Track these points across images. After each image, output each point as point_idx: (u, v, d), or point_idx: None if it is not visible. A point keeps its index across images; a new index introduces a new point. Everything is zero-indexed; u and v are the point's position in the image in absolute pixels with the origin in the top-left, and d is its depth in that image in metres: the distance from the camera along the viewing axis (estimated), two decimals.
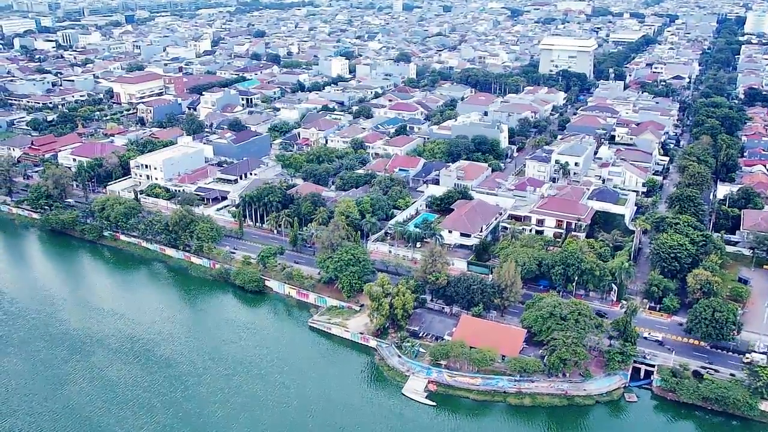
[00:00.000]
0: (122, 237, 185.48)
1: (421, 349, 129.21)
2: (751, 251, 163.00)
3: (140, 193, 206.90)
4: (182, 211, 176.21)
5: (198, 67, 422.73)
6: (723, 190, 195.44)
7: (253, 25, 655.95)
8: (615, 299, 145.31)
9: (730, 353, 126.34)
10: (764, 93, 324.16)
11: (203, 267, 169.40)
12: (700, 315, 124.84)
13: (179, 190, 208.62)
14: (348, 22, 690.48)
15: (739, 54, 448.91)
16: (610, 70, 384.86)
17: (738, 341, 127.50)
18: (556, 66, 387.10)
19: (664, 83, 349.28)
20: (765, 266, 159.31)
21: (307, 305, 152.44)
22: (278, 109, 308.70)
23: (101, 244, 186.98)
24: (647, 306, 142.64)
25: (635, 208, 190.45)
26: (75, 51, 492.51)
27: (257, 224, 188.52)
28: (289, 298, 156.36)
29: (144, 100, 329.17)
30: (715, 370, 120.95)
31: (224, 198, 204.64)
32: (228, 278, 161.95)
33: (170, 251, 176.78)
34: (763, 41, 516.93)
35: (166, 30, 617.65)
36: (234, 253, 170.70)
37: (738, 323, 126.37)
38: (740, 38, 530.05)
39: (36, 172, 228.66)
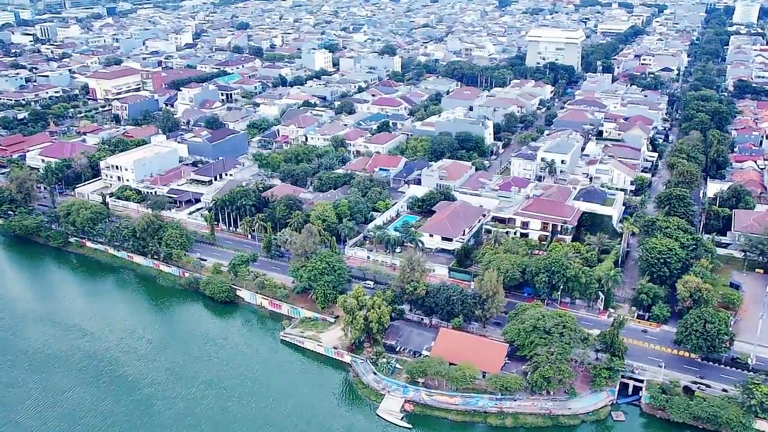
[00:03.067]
0: (89, 243, 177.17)
1: (397, 366, 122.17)
2: (743, 254, 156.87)
3: (110, 196, 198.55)
4: (150, 216, 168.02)
5: (178, 61, 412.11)
6: (713, 187, 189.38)
7: (237, 17, 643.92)
8: (602, 307, 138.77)
9: (723, 366, 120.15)
10: (754, 85, 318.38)
11: (172, 276, 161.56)
12: (690, 326, 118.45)
13: (151, 193, 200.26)
14: (334, 13, 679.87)
15: (727, 45, 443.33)
16: (598, 63, 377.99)
17: (731, 353, 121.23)
18: (544, 58, 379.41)
19: (652, 75, 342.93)
20: (757, 270, 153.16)
21: (280, 316, 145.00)
22: (258, 105, 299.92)
23: (67, 251, 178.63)
24: (635, 314, 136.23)
25: (623, 207, 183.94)
26: (52, 45, 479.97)
27: (231, 228, 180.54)
28: (261, 308, 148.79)
29: (120, 96, 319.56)
30: (707, 386, 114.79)
31: (198, 200, 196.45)
32: (198, 288, 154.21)
33: (138, 258, 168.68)
34: (752, 31, 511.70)
35: (148, 22, 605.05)
36: (204, 260, 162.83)
37: (730, 334, 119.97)
38: (729, 28, 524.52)
39: (2, 173, 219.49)
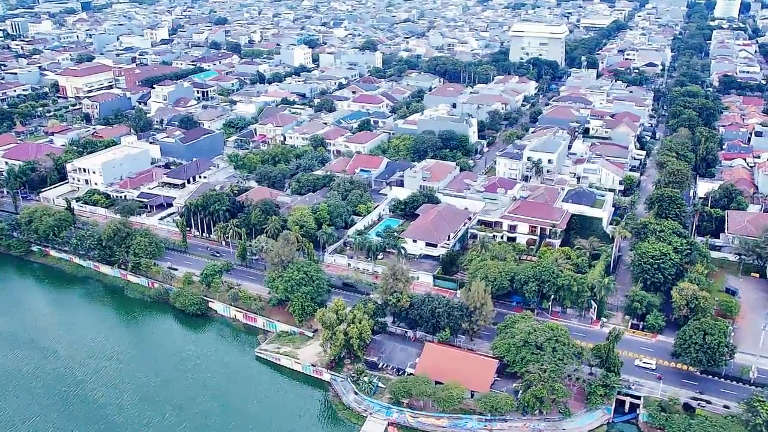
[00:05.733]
0: (52, 252, 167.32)
1: (380, 384, 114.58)
2: (737, 257, 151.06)
3: (77, 201, 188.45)
4: (117, 223, 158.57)
5: (153, 57, 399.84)
6: (704, 187, 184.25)
7: (215, 12, 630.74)
8: (595, 317, 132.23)
9: (723, 380, 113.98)
10: (738, 80, 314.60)
11: (141, 287, 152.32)
12: (689, 339, 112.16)
13: (120, 197, 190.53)
14: (314, 8, 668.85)
15: (710, 39, 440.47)
16: (583, 58, 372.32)
17: (731, 366, 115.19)
18: (527, 53, 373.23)
19: (637, 71, 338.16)
20: (753, 274, 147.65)
21: (255, 330, 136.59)
22: (235, 103, 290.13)
23: (29, 261, 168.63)
24: (629, 324, 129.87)
25: (613, 209, 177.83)
26: (22, 41, 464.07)
27: (204, 235, 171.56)
28: (235, 321, 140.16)
29: (91, 94, 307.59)
30: (708, 402, 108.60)
31: (170, 204, 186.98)
32: (168, 300, 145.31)
33: (105, 269, 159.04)
34: (734, 26, 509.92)
35: (123, 17, 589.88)
36: (175, 270, 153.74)
37: (731, 346, 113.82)
38: (711, 23, 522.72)
39: None
